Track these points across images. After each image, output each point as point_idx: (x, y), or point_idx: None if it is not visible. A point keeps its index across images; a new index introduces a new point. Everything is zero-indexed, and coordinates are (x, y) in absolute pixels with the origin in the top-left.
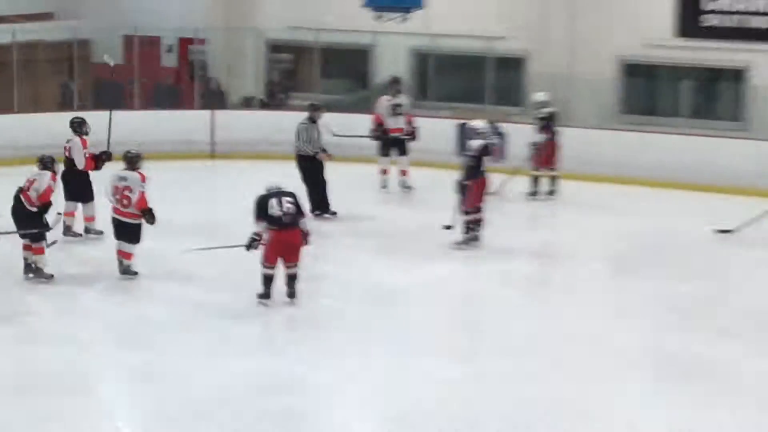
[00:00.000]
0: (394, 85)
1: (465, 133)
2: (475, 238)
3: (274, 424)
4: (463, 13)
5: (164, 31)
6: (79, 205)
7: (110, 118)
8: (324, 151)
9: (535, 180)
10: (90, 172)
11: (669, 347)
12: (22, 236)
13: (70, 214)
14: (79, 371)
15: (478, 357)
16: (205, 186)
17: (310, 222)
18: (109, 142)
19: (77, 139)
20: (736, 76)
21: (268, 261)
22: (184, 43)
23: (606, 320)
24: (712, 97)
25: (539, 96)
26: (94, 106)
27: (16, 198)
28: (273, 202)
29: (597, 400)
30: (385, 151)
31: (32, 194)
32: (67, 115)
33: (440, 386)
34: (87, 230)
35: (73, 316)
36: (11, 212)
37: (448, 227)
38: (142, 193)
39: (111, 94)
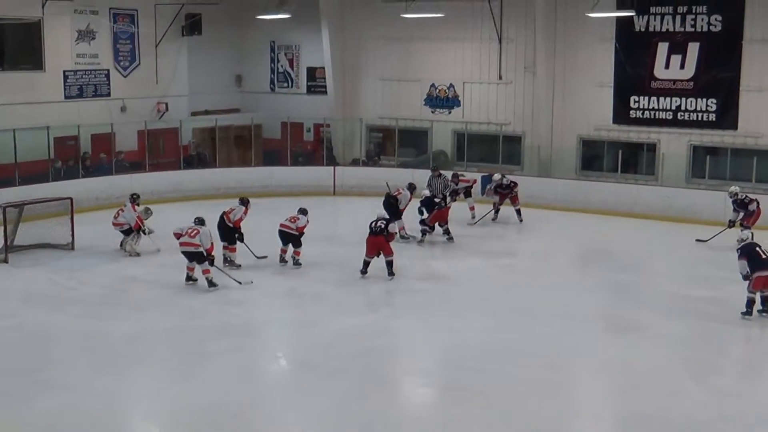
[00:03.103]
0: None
1: (483, 181)
2: (422, 241)
3: (372, 356)
4: (484, 109)
5: (305, 119)
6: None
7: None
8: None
9: (497, 210)
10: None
11: (608, 312)
12: (228, 243)
13: (401, 228)
14: (256, 321)
15: (496, 315)
16: (330, 212)
17: (394, 229)
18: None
19: (408, 193)
20: (650, 147)
21: (367, 254)
22: (317, 126)
23: (571, 293)
24: (636, 160)
25: (497, 176)
26: (263, 164)
27: (221, 216)
28: (373, 223)
29: (565, 342)
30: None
31: (231, 216)
32: (248, 169)
33: (474, 333)
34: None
35: (255, 288)
36: (217, 225)
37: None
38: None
39: (273, 157)
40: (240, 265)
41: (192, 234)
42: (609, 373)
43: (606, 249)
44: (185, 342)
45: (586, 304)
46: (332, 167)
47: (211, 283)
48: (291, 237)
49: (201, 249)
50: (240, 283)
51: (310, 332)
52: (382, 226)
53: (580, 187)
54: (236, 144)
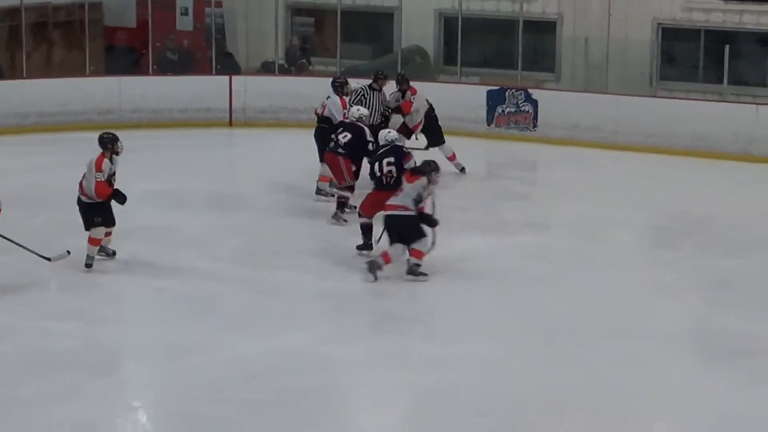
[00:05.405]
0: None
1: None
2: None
3: (300, 404)
4: None
5: None
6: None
7: None
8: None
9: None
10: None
11: (710, 324)
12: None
13: (324, 178)
14: (101, 344)
15: (511, 338)
16: (224, 155)
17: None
18: None
19: (336, 98)
20: None
21: (363, 211)
22: (200, 5)
23: (645, 294)
24: (755, 64)
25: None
26: (105, 71)
27: (79, 190)
28: (376, 165)
29: (636, 382)
30: None
31: (86, 184)
32: (79, 81)
33: (480, 367)
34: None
35: (101, 286)
36: (78, 206)
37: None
38: None
39: (123, 59)
40: (114, 252)
41: None
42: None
43: (703, 216)
44: None
45: (670, 313)
46: (227, 78)
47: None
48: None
49: None
50: (49, 259)
51: (194, 363)
52: (394, 172)
53: (657, 109)
54: (58, 37)
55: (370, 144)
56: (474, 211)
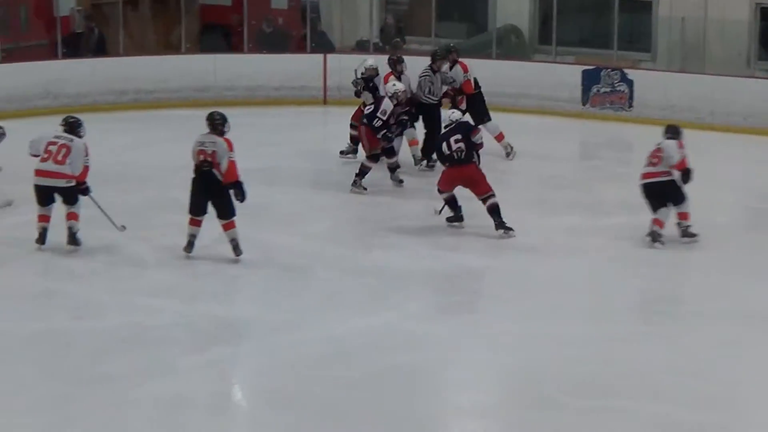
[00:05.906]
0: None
1: None
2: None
3: (388, 382)
4: None
5: None
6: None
7: None
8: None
9: None
10: None
11: None
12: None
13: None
14: (188, 321)
15: (603, 318)
16: (318, 133)
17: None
18: None
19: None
20: None
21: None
22: None
23: (746, 278)
24: None
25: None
26: (201, 50)
27: (203, 164)
28: (444, 144)
29: (733, 365)
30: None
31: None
32: (175, 59)
33: (572, 347)
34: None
35: (186, 266)
36: (198, 180)
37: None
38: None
39: (218, 37)
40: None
41: (60, 156)
42: None
43: None
44: (68, 358)
45: (766, 296)
46: (322, 56)
47: (74, 239)
48: None
49: (71, 182)
50: (124, 228)
51: (287, 341)
52: (463, 147)
53: (755, 89)
54: (154, 15)
55: (377, 120)
56: (568, 190)
